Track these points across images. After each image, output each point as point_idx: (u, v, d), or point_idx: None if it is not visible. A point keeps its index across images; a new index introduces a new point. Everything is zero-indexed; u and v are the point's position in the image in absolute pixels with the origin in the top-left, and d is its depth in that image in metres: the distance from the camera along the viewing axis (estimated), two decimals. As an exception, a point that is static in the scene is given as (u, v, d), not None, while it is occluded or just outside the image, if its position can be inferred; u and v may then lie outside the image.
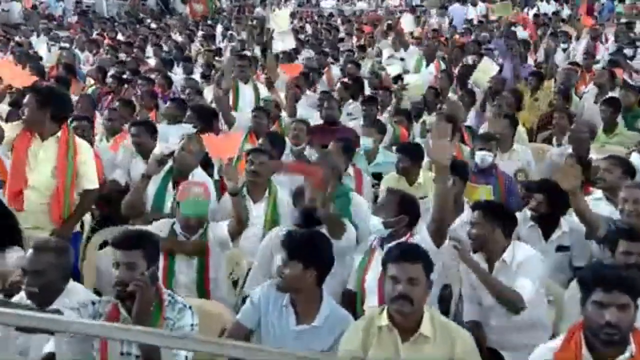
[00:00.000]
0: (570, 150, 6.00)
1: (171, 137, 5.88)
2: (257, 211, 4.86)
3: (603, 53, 12.16)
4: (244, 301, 4.02)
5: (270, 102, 7.40)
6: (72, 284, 3.41)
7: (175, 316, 3.15)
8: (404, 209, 3.83)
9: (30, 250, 3.31)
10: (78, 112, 7.26)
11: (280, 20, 10.07)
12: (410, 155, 5.34)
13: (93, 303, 3.18)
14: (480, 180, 5.32)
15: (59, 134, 4.56)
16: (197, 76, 10.27)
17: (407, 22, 12.61)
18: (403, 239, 3.77)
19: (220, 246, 4.15)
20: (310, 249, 3.32)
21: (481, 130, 6.70)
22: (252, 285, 4.12)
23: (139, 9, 21.21)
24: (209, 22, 17.70)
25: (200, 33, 14.92)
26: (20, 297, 3.36)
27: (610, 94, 7.87)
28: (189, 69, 10.61)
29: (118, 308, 3.14)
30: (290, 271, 3.26)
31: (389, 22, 14.22)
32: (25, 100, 4.55)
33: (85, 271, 4.56)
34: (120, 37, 15.13)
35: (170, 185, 5.04)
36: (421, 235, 3.64)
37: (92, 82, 9.85)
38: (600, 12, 19.85)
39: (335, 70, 10.86)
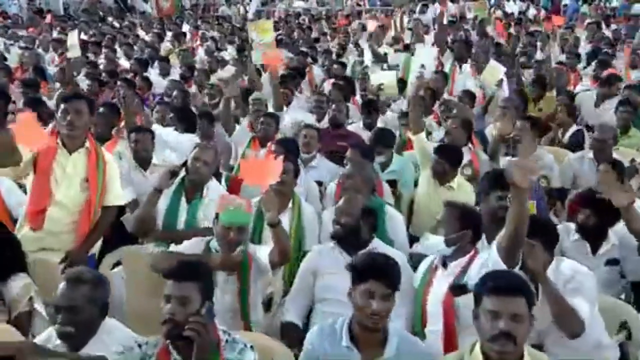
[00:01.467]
0: (590, 155, 5.77)
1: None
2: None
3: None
4: (283, 327, 3.72)
5: (261, 100, 6.96)
6: (106, 319, 2.99)
7: (236, 356, 2.76)
8: (466, 223, 3.50)
9: (63, 284, 2.88)
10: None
11: (262, 32, 9.50)
12: (449, 158, 5.05)
13: (139, 345, 2.76)
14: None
15: (87, 144, 4.16)
16: (175, 77, 9.77)
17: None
18: (467, 257, 3.44)
19: (259, 272, 3.75)
20: (397, 271, 2.99)
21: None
22: (292, 309, 3.77)
23: (98, 7, 20.44)
24: (174, 20, 17.12)
25: (169, 32, 14.33)
26: (48, 335, 2.93)
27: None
28: (166, 70, 10.08)
29: (169, 350, 2.72)
30: (392, 303, 2.91)
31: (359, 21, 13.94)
32: (71, 106, 4.05)
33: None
34: (83, 36, 14.40)
35: (183, 199, 4.62)
36: (490, 256, 3.29)
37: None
38: (565, 12, 19.97)
39: (317, 71, 10.53)
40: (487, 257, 3.20)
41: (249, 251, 3.73)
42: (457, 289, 3.21)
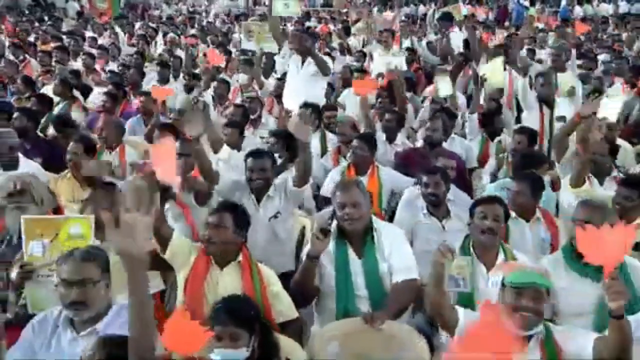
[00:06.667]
0: None
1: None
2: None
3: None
4: None
5: (345, 122, 6.13)
6: None
7: None
8: None
9: None
10: (102, 142, 5.72)
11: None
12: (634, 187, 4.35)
13: None
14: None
15: (239, 257, 3.57)
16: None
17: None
18: None
19: None
20: None
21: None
22: None
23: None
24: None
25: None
26: None
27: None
28: (165, 77, 8.93)
29: None
30: None
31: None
32: (216, 219, 3.57)
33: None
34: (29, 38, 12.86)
35: (351, 254, 3.73)
36: None
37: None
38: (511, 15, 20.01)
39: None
40: None
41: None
42: None
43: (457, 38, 12.35)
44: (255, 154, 4.62)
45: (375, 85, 6.48)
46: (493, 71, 7.39)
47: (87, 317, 2.81)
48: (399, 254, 3.72)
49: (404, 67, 8.62)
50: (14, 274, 3.57)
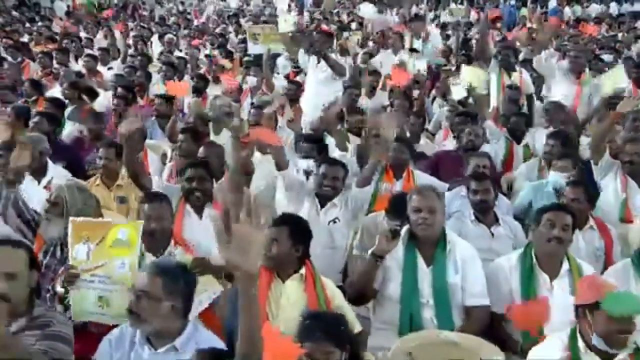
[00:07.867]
0: None
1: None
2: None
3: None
4: None
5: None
6: None
7: None
8: None
9: None
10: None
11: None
12: None
13: None
14: None
15: (302, 270, 3.46)
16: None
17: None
18: None
19: None
20: None
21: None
22: None
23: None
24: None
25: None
26: None
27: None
28: (171, 76, 8.71)
29: None
30: None
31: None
32: (272, 233, 3.42)
33: None
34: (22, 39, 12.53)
35: (420, 262, 3.60)
36: None
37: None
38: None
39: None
40: None
41: None
42: None
43: (435, 39, 12.38)
44: (331, 161, 4.62)
45: (409, 77, 6.37)
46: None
47: (150, 332, 2.71)
48: (474, 276, 3.62)
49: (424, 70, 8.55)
50: (59, 285, 3.47)
